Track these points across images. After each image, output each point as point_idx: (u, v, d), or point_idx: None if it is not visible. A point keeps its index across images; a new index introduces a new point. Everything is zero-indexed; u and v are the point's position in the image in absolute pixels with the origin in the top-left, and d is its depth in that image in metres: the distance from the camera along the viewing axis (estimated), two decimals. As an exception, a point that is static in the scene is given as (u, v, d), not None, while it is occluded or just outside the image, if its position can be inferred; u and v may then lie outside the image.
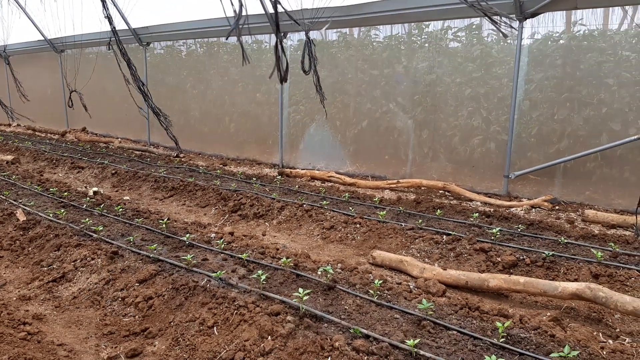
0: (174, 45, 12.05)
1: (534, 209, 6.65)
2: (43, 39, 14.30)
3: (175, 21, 11.10)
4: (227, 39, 10.63)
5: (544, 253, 4.68)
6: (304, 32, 7.60)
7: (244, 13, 3.02)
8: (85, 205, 6.45)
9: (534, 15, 6.85)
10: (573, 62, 6.92)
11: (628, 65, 6.58)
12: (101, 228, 5.34)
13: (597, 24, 6.84)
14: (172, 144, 12.25)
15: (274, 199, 6.78)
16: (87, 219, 5.63)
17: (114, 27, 6.64)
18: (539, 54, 7.15)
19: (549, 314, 3.76)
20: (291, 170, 9.10)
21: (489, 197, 7.19)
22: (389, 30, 8.71)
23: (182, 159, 10.56)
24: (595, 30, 6.83)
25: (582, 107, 6.90)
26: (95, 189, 7.69)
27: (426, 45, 8.28)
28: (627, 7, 6.57)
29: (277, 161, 10.15)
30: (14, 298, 4.36)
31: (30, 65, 16.04)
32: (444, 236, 5.23)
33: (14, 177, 8.22)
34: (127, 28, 11.62)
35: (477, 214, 5.86)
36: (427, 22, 8.15)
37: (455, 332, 3.30)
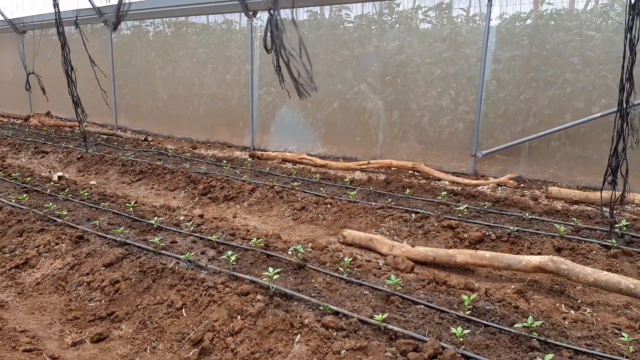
0: (141, 25, 11.71)
1: (500, 187, 6.78)
2: (3, 19, 13.68)
3: None
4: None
5: (509, 229, 4.79)
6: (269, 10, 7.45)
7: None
8: (49, 190, 6.27)
9: (501, -6, 6.91)
10: (540, 41, 7.01)
11: (592, 44, 6.70)
12: (65, 212, 5.20)
13: (564, 2, 6.92)
14: (140, 127, 12.00)
15: (244, 181, 6.73)
16: (51, 204, 5.48)
17: (58, 9, 6.41)
18: (507, 33, 7.22)
19: (513, 286, 3.86)
20: (262, 152, 9.04)
21: (457, 176, 7.30)
22: (360, 9, 8.64)
23: (151, 143, 10.35)
24: (562, 10, 6.92)
25: (547, 87, 7.02)
26: (60, 173, 7.47)
27: (397, 25, 8.26)
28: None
29: (248, 144, 10.05)
30: (-26, 286, 4.22)
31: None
32: (413, 214, 5.29)
33: (-27, 163, 7.92)
34: (92, 7, 11.22)
35: (445, 193, 5.94)
36: (397, 1, 8.11)
37: (422, 306, 3.36)
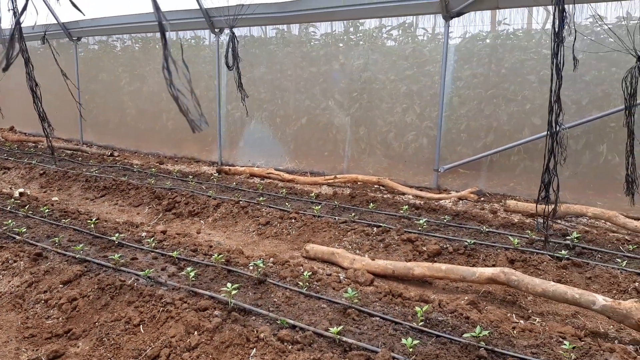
0: (108, 40, 11.64)
1: (461, 201, 6.97)
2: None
3: (109, 15, 10.73)
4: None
5: (466, 242, 4.94)
6: (230, 28, 7.51)
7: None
8: (9, 207, 6.16)
9: (459, 14, 7.16)
10: (498, 60, 7.29)
11: (549, 63, 6.95)
12: (25, 230, 5.13)
13: (522, 23, 7.22)
14: (106, 142, 11.86)
15: (210, 196, 6.74)
16: (11, 221, 5.40)
17: (19, 25, 6.36)
18: (467, 52, 7.48)
19: (467, 297, 3.98)
20: (230, 167, 9.06)
21: (420, 190, 7.47)
22: (327, 27, 8.82)
23: (117, 158, 10.25)
24: (520, 30, 7.22)
25: (507, 103, 7.29)
26: (21, 190, 7.34)
27: (361, 43, 8.46)
28: (549, 7, 6.97)
29: (216, 159, 10.05)
30: None
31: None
32: (375, 228, 5.40)
33: None
34: (56, 22, 11.11)
35: (407, 207, 6.08)
36: (362, 20, 8.32)
37: (378, 318, 3.44)
